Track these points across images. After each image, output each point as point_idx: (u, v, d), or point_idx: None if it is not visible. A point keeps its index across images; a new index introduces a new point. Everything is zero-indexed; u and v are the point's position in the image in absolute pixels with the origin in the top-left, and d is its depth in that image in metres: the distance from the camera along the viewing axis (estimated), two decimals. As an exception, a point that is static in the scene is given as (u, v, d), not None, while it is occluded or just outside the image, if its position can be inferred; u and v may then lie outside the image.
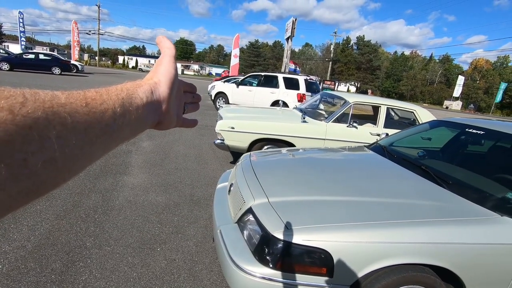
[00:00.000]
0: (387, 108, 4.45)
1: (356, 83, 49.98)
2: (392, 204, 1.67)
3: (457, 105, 54.65)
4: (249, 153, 2.63)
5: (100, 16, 46.19)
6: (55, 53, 27.32)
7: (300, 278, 1.39)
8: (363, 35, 52.17)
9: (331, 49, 44.49)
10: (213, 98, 10.26)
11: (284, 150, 2.92)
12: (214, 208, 2.07)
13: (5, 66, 16.85)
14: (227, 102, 9.75)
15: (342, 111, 4.29)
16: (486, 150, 2.42)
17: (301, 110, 4.87)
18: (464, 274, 1.47)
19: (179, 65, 70.51)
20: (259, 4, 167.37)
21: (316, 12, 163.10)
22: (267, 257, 1.43)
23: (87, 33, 47.75)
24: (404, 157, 2.39)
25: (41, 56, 18.09)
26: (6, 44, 47.73)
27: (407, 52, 74.78)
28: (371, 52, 47.90)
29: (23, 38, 27.06)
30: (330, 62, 42.52)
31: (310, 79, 9.27)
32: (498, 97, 49.88)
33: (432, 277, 1.47)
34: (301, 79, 8.73)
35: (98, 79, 19.45)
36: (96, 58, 51.16)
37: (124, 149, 4.67)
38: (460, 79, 52.98)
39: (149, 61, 67.21)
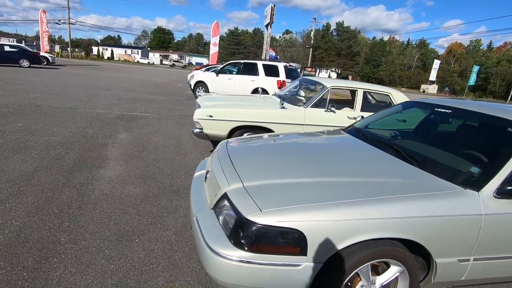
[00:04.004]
0: (364, 92, 4.52)
1: (336, 69, 50.41)
2: (364, 183, 1.71)
3: (433, 88, 56.43)
4: (226, 140, 2.61)
5: (70, 4, 43.76)
6: (22, 44, 25.78)
7: (275, 258, 1.41)
8: (343, 21, 52.36)
9: (311, 35, 44.40)
10: (192, 87, 10.06)
11: (260, 135, 2.92)
12: (191, 196, 2.05)
13: (-33, 60, 15.72)
14: (207, 91, 9.59)
15: (319, 96, 4.32)
16: (454, 128, 2.52)
17: (280, 96, 4.86)
18: (430, 245, 1.54)
19: (157, 55, 68.61)
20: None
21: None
22: (242, 241, 1.43)
23: (56, 23, 45.32)
24: (377, 138, 2.45)
25: (7, 48, 16.99)
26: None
27: (386, 38, 75.95)
28: (350, 38, 48.24)
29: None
30: (311, 49, 42.51)
31: (290, 65, 9.25)
32: (472, 80, 51.82)
33: (401, 250, 1.53)
34: (281, 66, 8.69)
35: (71, 71, 18.58)
36: (69, 49, 48.75)
37: (100, 142, 4.53)
38: (436, 63, 54.55)
39: (125, 51, 64.85)
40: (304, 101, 4.49)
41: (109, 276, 1.86)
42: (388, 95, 4.61)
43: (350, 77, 63.88)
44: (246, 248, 1.42)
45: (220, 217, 1.64)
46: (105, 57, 56.09)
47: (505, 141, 1.95)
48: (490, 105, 2.34)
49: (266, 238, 1.41)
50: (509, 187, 1.61)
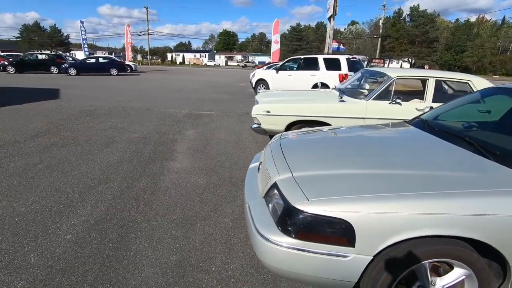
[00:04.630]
0: (436, 81, 4.07)
1: (409, 59, 45.65)
2: (422, 176, 1.58)
3: (538, 74, 46.82)
4: (279, 134, 2.67)
5: (149, 17, 49.13)
6: (112, 56, 29.91)
7: (321, 247, 1.42)
8: (418, 5, 47.11)
9: (380, 24, 41.10)
10: (253, 85, 10.36)
11: (315, 129, 2.89)
12: (245, 185, 2.17)
13: (73, 71, 19.06)
14: (267, 88, 9.77)
15: (383, 88, 4.04)
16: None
17: (339, 90, 4.70)
18: (506, 249, 1.35)
19: (223, 57, 72.25)
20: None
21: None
22: (289, 228, 1.48)
23: (138, 35, 51.30)
24: (446, 129, 2.20)
25: (100, 60, 20.07)
26: (73, 52, 53.62)
27: (473, 19, 65.72)
28: (427, 23, 43.07)
29: (85, 45, 30.17)
30: (379, 39, 39.41)
31: (353, 58, 8.79)
32: None
33: (467, 251, 1.38)
34: (343, 58, 8.33)
35: (149, 77, 20.93)
36: (148, 57, 54.82)
37: (171, 138, 5.05)
38: (542, 43, 44.98)
39: (194, 55, 69.88)
40: (366, 93, 4.25)
41: (174, 253, 2.11)
42: (467, 83, 4.06)
43: (426, 66, 57.12)
44: (293, 235, 1.46)
45: (270, 205, 1.71)
46: (178, 62, 61.47)
47: None
48: None
49: (313, 226, 1.43)
50: None
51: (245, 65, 54.38)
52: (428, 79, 4.08)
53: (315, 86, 8.27)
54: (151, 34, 53.42)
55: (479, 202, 1.36)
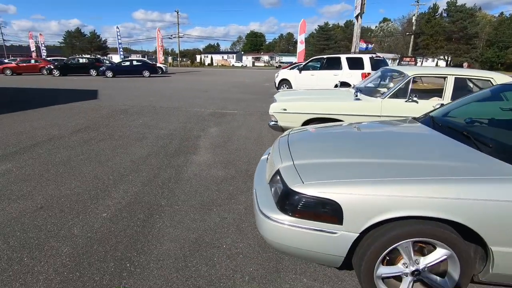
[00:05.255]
0: (455, 78, 4.03)
1: (445, 57, 43.25)
2: (413, 164, 1.72)
3: None
4: (290, 129, 2.87)
5: (179, 20, 50.98)
6: (145, 58, 31.49)
7: (313, 224, 1.62)
8: (455, 0, 44.47)
9: (413, 21, 39.40)
10: (277, 85, 10.57)
11: (324, 125, 3.05)
12: (255, 174, 2.41)
13: (109, 74, 20.44)
14: (290, 88, 9.92)
15: (399, 86, 4.09)
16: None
17: (357, 88, 4.78)
18: (484, 231, 1.47)
19: (250, 58, 73.05)
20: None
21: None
22: (286, 207, 1.69)
23: (169, 38, 53.40)
24: (449, 125, 2.29)
25: (134, 63, 21.31)
26: (110, 55, 57.09)
27: (518, 12, 60.52)
28: (465, 18, 40.54)
29: (121, 49, 32.11)
30: (412, 36, 37.80)
31: (377, 56, 8.70)
32: None
33: (447, 231, 1.51)
34: (366, 57, 8.29)
35: (179, 78, 21.85)
36: (178, 59, 56.86)
37: (195, 134, 5.41)
38: None
39: (222, 57, 71.27)
40: (383, 91, 4.31)
41: (192, 232, 2.40)
42: (489, 80, 3.98)
43: (465, 64, 53.73)
44: (289, 214, 1.68)
45: (273, 189, 1.93)
46: (206, 64, 63.12)
47: None
48: None
49: (306, 206, 1.63)
50: None
51: (279, 65, 48.94)
52: (447, 76, 4.06)
53: (336, 86, 8.31)
54: (181, 37, 55.35)
55: (460, 187, 1.49)
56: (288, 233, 1.68)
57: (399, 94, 4.11)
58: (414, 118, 2.83)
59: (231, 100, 10.01)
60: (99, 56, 43.22)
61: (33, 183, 3.23)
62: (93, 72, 21.58)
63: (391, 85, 4.46)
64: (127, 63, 21.93)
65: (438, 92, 4.60)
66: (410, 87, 4.06)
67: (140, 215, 2.62)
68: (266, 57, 73.52)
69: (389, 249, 1.57)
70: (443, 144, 2.02)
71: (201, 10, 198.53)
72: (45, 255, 2.07)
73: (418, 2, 37.11)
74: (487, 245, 1.49)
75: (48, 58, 28.25)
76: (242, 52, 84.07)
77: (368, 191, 1.54)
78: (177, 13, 51.25)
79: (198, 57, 77.22)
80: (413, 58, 24.39)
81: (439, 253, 1.59)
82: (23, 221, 2.49)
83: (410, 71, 4.17)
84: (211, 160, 4.09)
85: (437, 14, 45.97)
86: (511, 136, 1.97)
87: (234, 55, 75.33)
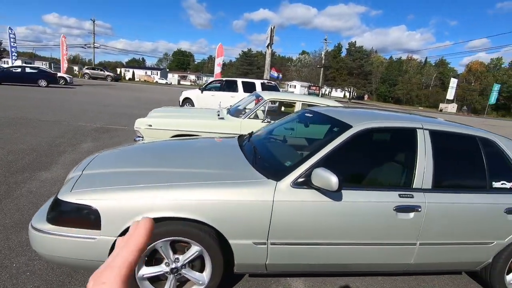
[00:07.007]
0: (302, 104, 4.75)
1: (349, 88, 50.59)
2: (185, 173, 1.95)
3: (452, 107, 54.67)
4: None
5: (100, 30, 47.32)
6: (46, 67, 27.98)
7: (73, 231, 1.66)
8: (355, 41, 53.04)
9: (322, 55, 45.11)
10: (180, 103, 10.62)
11: (143, 142, 3.21)
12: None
13: (-7, 80, 17.37)
14: (193, 106, 10.08)
15: (257, 108, 4.60)
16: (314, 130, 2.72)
17: (227, 109, 5.18)
18: (221, 226, 1.74)
19: (176, 76, 71.80)
20: (260, 14, 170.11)
21: (317, 20, 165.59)
22: (50, 216, 1.70)
23: (82, 47, 48.84)
24: (247, 141, 2.67)
25: (28, 70, 18.67)
26: (5, 60, 48.79)
27: (405, 57, 75.61)
28: (362, 58, 48.51)
29: (14, 53, 27.86)
30: (322, 69, 43.10)
31: (269, 82, 9.61)
32: (492, 99, 49.95)
33: (194, 230, 1.74)
34: (258, 82, 9.09)
35: (84, 90, 19.94)
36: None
37: (61, 150, 4.98)
38: (453, 81, 53.14)
39: (146, 72, 68.32)
40: (244, 112, 4.77)
41: (-19, 252, 2.17)
42: (320, 104, 4.80)
43: (366, 96, 63.57)
44: (53, 223, 1.69)
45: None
46: (126, 78, 59.33)
47: (312, 142, 2.16)
48: (333, 110, 2.54)
49: (67, 213, 1.68)
50: (302, 179, 1.80)
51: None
52: (296, 102, 4.75)
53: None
54: (97, 48, 51.27)
55: (203, 191, 1.75)
56: (49, 242, 1.69)
57: (257, 115, 4.61)
58: (243, 135, 3.21)
59: (129, 115, 9.59)
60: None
61: None
62: (-31, 77, 18.03)
63: (252, 106, 4.99)
64: (19, 70, 19.06)
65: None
66: (266, 109, 4.60)
67: None
68: (192, 77, 73.32)
69: (147, 250, 1.71)
70: (232, 156, 2.34)
71: (127, 22, 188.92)
72: None
73: (326, 41, 42.85)
74: (227, 239, 1.77)
75: None
76: (168, 70, 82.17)
77: (122, 196, 1.68)
78: (93, 21, 47.64)
79: (118, 70, 72.27)
80: (318, 87, 27.65)
81: (193, 250, 1.80)
82: None
83: (267, 95, 4.74)
84: (62, 176, 3.80)
85: (341, 52, 53.71)
86: (265, 151, 2.41)
87: (159, 72, 72.96)
